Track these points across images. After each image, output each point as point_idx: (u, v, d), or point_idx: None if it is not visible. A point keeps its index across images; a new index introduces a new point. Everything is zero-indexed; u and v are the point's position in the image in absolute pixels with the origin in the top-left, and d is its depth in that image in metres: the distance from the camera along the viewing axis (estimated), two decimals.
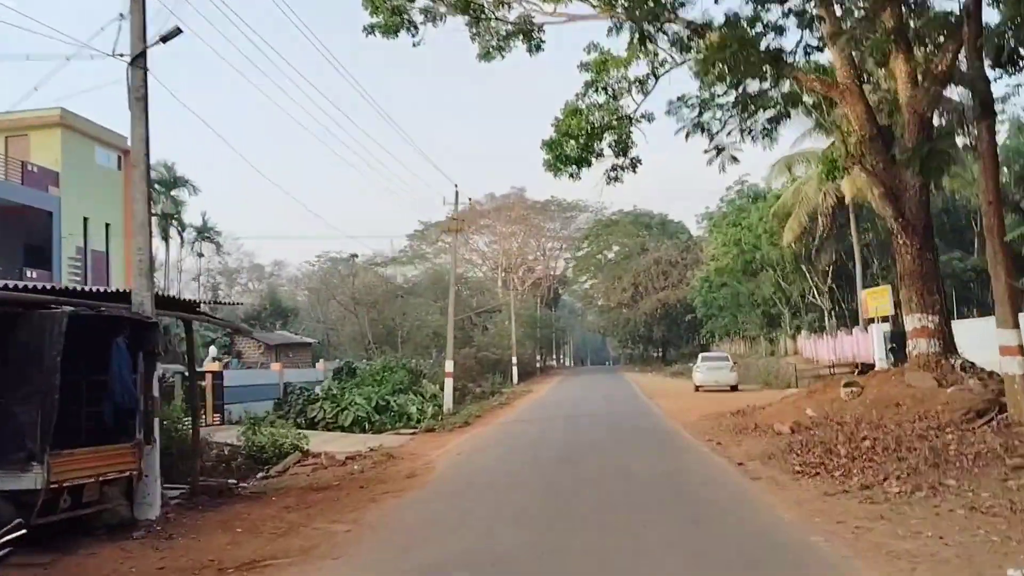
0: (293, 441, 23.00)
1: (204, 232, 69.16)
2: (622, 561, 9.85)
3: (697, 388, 43.18)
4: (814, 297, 55.77)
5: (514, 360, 67.67)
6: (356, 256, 63.16)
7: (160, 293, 15.67)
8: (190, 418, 25.20)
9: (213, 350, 53.46)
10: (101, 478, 11.80)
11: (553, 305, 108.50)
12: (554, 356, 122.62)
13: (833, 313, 54.11)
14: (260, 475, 20.78)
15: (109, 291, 13.95)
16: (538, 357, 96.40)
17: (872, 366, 33.85)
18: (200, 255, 70.48)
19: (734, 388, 42.57)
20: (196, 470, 16.58)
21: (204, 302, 16.11)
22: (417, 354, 57.15)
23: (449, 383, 37.23)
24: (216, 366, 35.24)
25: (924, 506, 12.09)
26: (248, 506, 15.04)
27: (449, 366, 37.68)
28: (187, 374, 27.57)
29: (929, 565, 9.15)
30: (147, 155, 14.00)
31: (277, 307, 68.08)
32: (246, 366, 53.62)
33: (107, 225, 36.51)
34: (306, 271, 74.14)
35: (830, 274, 54.11)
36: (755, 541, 10.71)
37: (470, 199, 40.75)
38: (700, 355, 47.43)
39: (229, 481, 17.93)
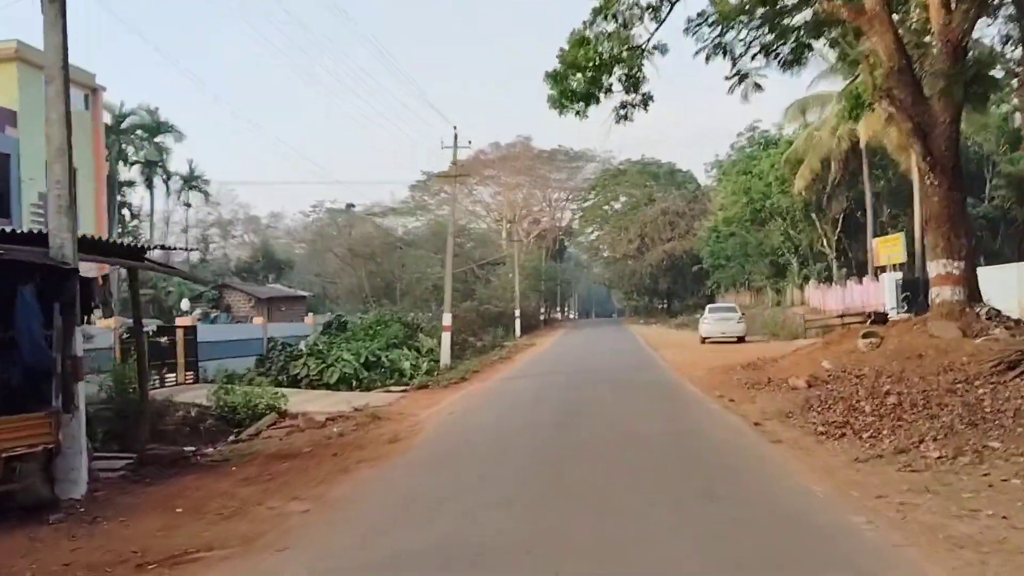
0: (269, 401, 21.26)
1: (191, 181, 66.87)
2: (625, 556, 7.99)
3: (704, 340, 41.42)
4: (823, 246, 53.83)
5: (517, 313, 65.84)
6: (353, 206, 61.01)
7: (95, 238, 13.74)
8: (155, 380, 23.65)
9: (186, 303, 51.78)
10: (6, 454, 9.92)
11: (559, 257, 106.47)
12: (559, 309, 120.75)
13: (842, 262, 52.20)
14: (230, 439, 19.12)
15: (21, 232, 12.08)
16: (542, 310, 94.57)
17: (885, 316, 32.00)
18: (187, 205, 68.17)
19: (741, 339, 40.80)
20: (144, 438, 14.79)
21: (151, 247, 14.08)
22: (416, 307, 55.46)
23: (447, 337, 35.43)
24: (189, 320, 33.49)
25: (972, 475, 10.42)
26: (201, 478, 13.29)
27: (447, 319, 35.82)
28: (153, 330, 25.98)
29: (1003, 557, 7.37)
30: (64, 68, 12.14)
31: (271, 260, 66.01)
32: (235, 320, 51.90)
33: (74, 170, 34.44)
34: (300, 222, 71.86)
35: (840, 223, 52.16)
36: (786, 524, 8.84)
37: (470, 142, 38.12)
38: (707, 306, 45.61)
39: (185, 449, 16.15)
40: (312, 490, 11.82)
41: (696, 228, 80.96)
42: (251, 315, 53.22)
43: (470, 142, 38.20)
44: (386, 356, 30.17)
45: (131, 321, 20.47)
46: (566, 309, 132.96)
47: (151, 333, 24.84)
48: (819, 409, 15.57)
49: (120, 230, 66.33)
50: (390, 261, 62.40)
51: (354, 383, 27.16)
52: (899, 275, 37.64)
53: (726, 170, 67.72)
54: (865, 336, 20.83)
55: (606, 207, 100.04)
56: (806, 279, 54.66)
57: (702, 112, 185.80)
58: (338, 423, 19.45)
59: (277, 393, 21.82)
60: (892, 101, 21.55)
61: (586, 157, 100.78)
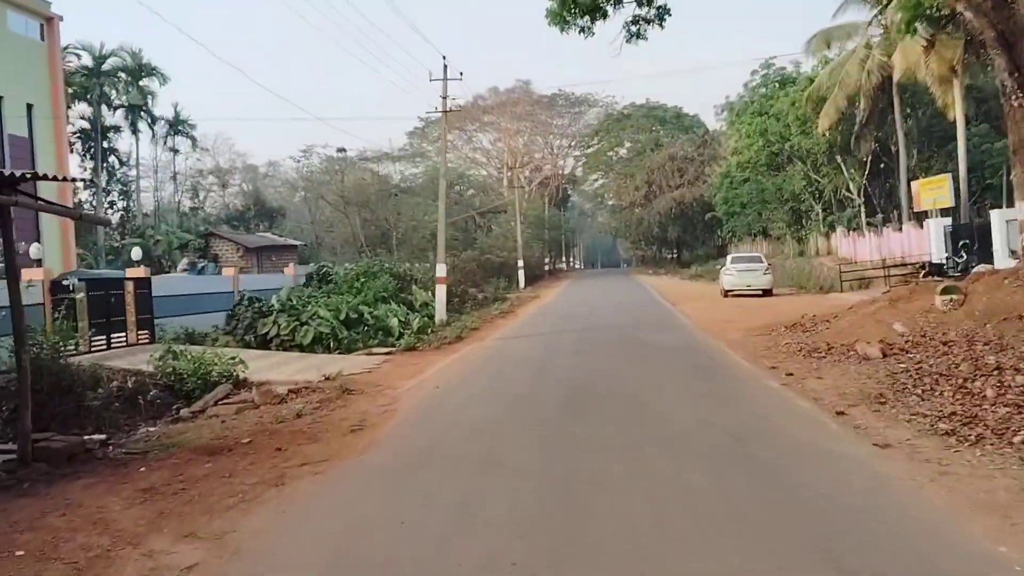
0: (226, 367, 17.45)
1: (177, 126, 62.44)
2: None
3: (726, 293, 37.47)
4: (849, 192, 49.75)
5: (520, 263, 61.89)
6: (344, 150, 56.81)
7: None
8: (74, 344, 19.80)
9: (184, 262, 48.24)
10: None
11: (562, 206, 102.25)
12: (564, 258, 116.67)
13: (873, 208, 48.15)
14: (169, 417, 15.40)
15: None
16: (547, 259, 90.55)
17: (940, 267, 28.12)
18: (174, 151, 63.70)
19: (768, 293, 36.90)
20: (26, 429, 10.94)
21: (24, 177, 10.09)
22: (414, 257, 51.73)
23: (441, 290, 31.61)
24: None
25: None
26: (90, 487, 9.77)
27: (441, 270, 31.94)
28: (74, 283, 22.02)
29: None
30: None
31: (263, 208, 61.95)
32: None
33: (29, 106, 30.50)
34: (291, 167, 67.15)
35: (867, 166, 48.04)
36: None
37: (461, 74, 33.97)
38: (729, 256, 41.34)
39: (88, 439, 12.34)
40: (218, 520, 7.98)
41: (706, 174, 76.69)
42: (240, 265, 49.78)
43: (461, 74, 34.10)
44: (370, 312, 26.23)
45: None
46: (571, 259, 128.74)
47: (72, 286, 20.91)
48: (918, 391, 11.69)
49: (106, 177, 62.44)
50: (385, 208, 58.30)
51: (332, 344, 23.24)
52: (947, 221, 33.63)
53: (739, 112, 63.37)
54: (944, 292, 16.87)
55: (610, 153, 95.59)
56: (832, 227, 50.56)
57: (709, 52, 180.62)
58: (301, 397, 15.79)
59: (234, 358, 17.94)
60: (969, 5, 17.72)
61: (588, 102, 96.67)
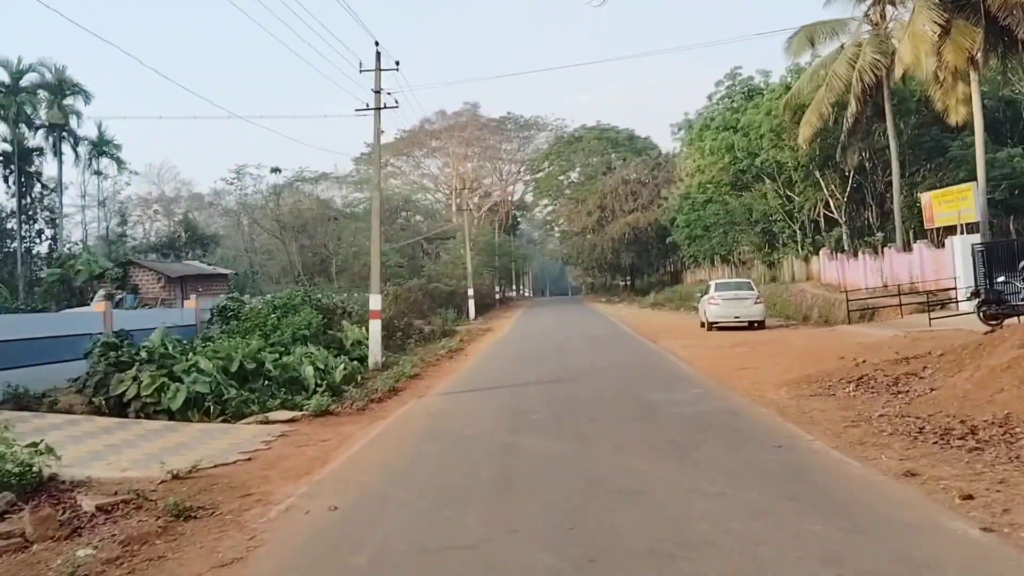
0: (22, 459, 10.51)
1: (101, 146, 54.78)
2: None
3: (710, 326, 30.98)
4: (828, 210, 43.66)
5: (470, 292, 55.06)
6: (279, 170, 49.62)
7: None
8: None
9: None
10: None
11: (512, 232, 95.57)
12: (514, 287, 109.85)
13: (859, 228, 42.14)
14: None
15: None
16: (497, 288, 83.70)
17: (999, 293, 21.76)
18: (98, 174, 55.87)
19: (759, 325, 30.55)
20: None
21: None
22: (355, 286, 44.79)
23: (376, 327, 24.89)
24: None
25: None
26: None
27: (375, 302, 25.18)
28: None
29: None
30: None
31: (194, 235, 54.52)
32: (143, 303, 41.06)
33: None
34: (222, 190, 58.90)
35: (849, 180, 42.04)
36: None
37: (398, 63, 27.00)
38: (712, 283, 34.45)
39: None
40: None
41: (662, 197, 70.65)
42: (160, 297, 42.53)
43: (398, 64, 27.14)
44: (276, 361, 19.20)
45: None
46: (520, 287, 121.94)
47: None
48: None
49: (28, 200, 54.84)
50: (325, 234, 51.13)
51: (214, 407, 16.08)
52: (974, 238, 27.39)
53: (701, 128, 57.39)
54: None
55: (561, 177, 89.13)
56: (812, 249, 44.38)
57: (657, 76, 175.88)
58: (112, 521, 8.97)
59: (37, 444, 10.98)
60: None
61: (537, 125, 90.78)
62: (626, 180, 76.33)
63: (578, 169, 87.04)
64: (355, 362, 23.35)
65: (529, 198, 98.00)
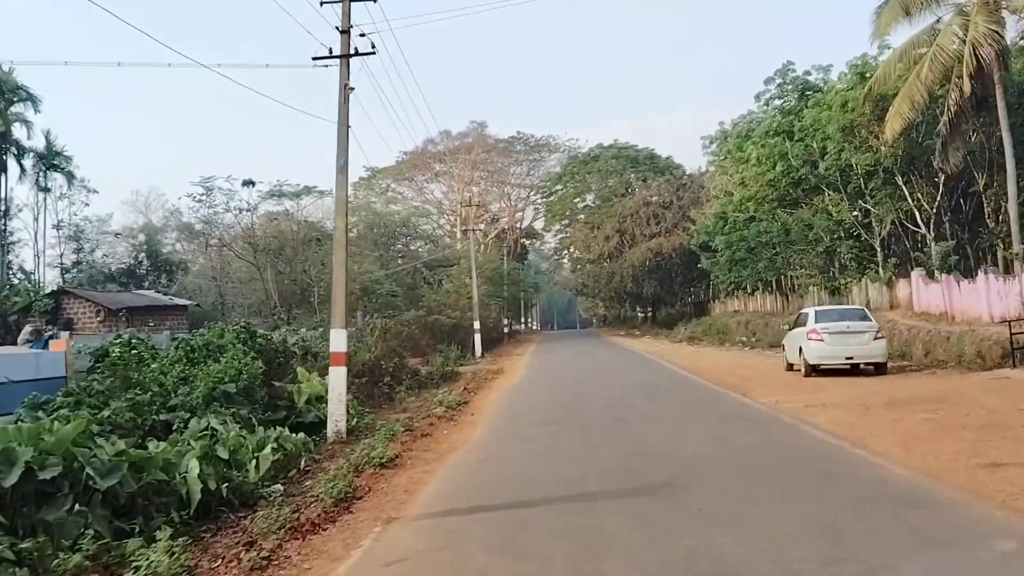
0: None
1: (49, 159, 45.64)
2: None
3: (811, 370, 21.89)
4: (913, 223, 34.74)
5: (476, 325, 45.98)
6: (252, 183, 40.69)
7: None
8: None
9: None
10: None
11: (521, 261, 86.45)
12: (522, 319, 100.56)
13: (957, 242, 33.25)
14: None
15: None
16: (505, 320, 74.44)
17: None
18: (44, 190, 46.65)
19: (880, 368, 21.55)
20: None
21: None
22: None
23: (339, 377, 16.11)
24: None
25: None
26: None
27: (338, 341, 16.42)
28: None
29: None
30: None
31: (157, 261, 45.54)
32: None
33: None
34: (188, 209, 48.88)
35: (940, 186, 33.25)
36: None
37: (373, 45, 17.59)
38: (810, 311, 24.53)
39: None
40: None
41: (686, 221, 61.85)
42: (98, 332, 33.69)
43: (373, 46, 17.91)
44: (118, 458, 10.01)
45: None
46: (529, 320, 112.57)
47: None
48: None
49: None
50: (306, 259, 42.04)
51: None
52: None
53: (740, 136, 48.69)
54: None
55: (576, 200, 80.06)
56: (898, 270, 35.38)
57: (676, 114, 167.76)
58: None
59: None
60: None
61: (549, 147, 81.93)
62: (647, 202, 67.43)
63: (593, 191, 78.08)
64: (300, 434, 14.47)
65: (539, 224, 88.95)
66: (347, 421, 16.46)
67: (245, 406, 15.20)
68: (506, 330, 73.35)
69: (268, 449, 12.43)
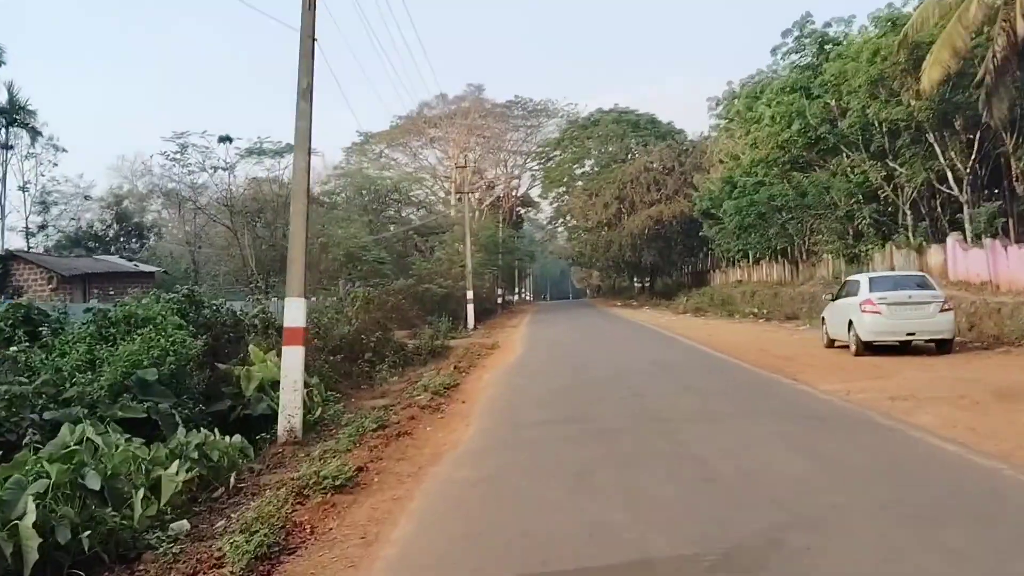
0: None
1: (12, 114, 41.24)
2: None
3: (863, 347, 18.17)
4: (942, 185, 31.02)
5: (469, 295, 42.13)
6: (230, 139, 36.56)
7: None
8: None
9: None
10: None
11: (517, 229, 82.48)
12: (516, 290, 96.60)
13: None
14: None
15: None
16: (499, 291, 70.51)
17: None
18: (6, 147, 42.15)
19: (943, 346, 17.91)
20: None
21: None
22: (322, 287, 32.31)
23: (294, 360, 12.39)
24: None
25: None
26: None
27: (294, 314, 12.64)
28: None
29: None
30: None
31: (128, 225, 41.52)
32: None
33: None
34: (159, 167, 43.98)
35: (976, 143, 29.55)
36: None
37: None
38: (861, 278, 20.22)
39: None
40: None
41: (687, 187, 58.10)
42: (51, 300, 29.90)
43: None
44: None
45: None
46: (523, 290, 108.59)
47: None
48: None
49: None
50: (287, 223, 38.04)
51: None
52: None
53: (749, 96, 44.90)
54: None
55: (574, 165, 76.05)
56: (929, 236, 31.68)
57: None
58: None
59: None
60: None
61: (547, 112, 77.58)
62: (648, 167, 63.46)
63: (593, 157, 74.08)
64: (236, 437, 10.84)
65: (535, 192, 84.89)
66: (306, 414, 12.78)
67: (167, 397, 11.46)
68: (500, 300, 69.53)
69: (175, 467, 8.71)
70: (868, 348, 18.09)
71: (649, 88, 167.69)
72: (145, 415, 10.78)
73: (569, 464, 9.28)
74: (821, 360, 18.23)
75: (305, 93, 12.67)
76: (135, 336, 12.28)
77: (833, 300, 20.71)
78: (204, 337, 14.62)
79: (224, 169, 36.91)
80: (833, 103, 35.02)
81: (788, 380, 15.16)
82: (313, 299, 28.49)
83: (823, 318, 21.48)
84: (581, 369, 19.88)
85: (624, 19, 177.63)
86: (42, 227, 44.55)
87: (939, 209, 32.38)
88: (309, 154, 12.84)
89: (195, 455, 9.64)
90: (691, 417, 11.79)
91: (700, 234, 55.57)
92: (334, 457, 10.20)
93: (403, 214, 60.31)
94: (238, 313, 16.82)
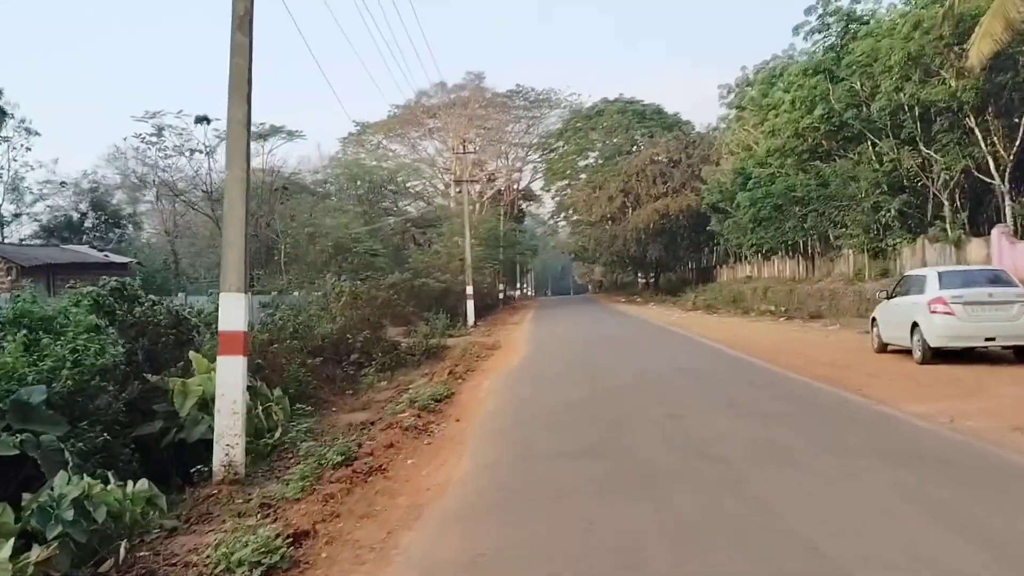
0: None
1: None
2: None
3: (930, 354, 15.08)
4: (988, 174, 27.99)
5: (469, 290, 39.03)
6: (208, 120, 33.47)
7: None
8: None
9: None
10: None
11: (519, 223, 79.32)
12: (517, 285, 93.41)
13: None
14: None
15: None
16: (500, 286, 67.33)
17: None
18: None
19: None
20: None
21: None
22: (308, 281, 29.34)
23: (232, 374, 9.30)
24: None
25: None
26: None
27: (233, 314, 9.55)
28: None
29: None
30: None
31: (103, 212, 38.39)
32: None
33: None
34: (133, 149, 39.80)
35: (1022, 127, 26.58)
36: None
37: None
38: (928, 272, 16.96)
39: None
40: None
41: (695, 180, 55.16)
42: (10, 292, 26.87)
43: None
44: None
45: None
46: (524, 285, 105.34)
47: None
48: None
49: None
50: (271, 211, 34.83)
51: None
52: None
53: (766, 83, 41.98)
54: None
55: (578, 157, 72.94)
56: (967, 228, 28.71)
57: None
58: None
59: None
60: None
61: (550, 102, 74.22)
62: (655, 159, 60.33)
63: (597, 149, 70.99)
64: (141, 483, 7.81)
65: (536, 186, 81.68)
66: (259, 438, 9.85)
67: (57, 425, 8.41)
68: (501, 296, 66.42)
69: (9, 548, 5.69)
70: (937, 355, 15.02)
71: (653, 79, 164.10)
72: (17, 451, 7.76)
73: (604, 536, 6.24)
74: (882, 369, 15.15)
75: (242, 23, 9.52)
76: (25, 342, 9.24)
77: (888, 298, 17.59)
78: (139, 341, 11.66)
79: (203, 152, 33.68)
80: (858, 85, 32.15)
81: (856, 396, 12.08)
82: (297, 294, 25.59)
83: (873, 318, 18.34)
84: (596, 375, 16.82)
85: (627, 8, 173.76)
86: (16, 215, 41.46)
87: (973, 200, 29.39)
88: (249, 103, 9.69)
89: (69, 515, 6.63)
90: (755, 454, 8.71)
91: (708, 228, 52.59)
92: (271, 515, 7.23)
93: (400, 205, 57.21)
94: (189, 311, 13.76)
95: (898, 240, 31.43)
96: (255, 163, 35.94)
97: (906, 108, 29.22)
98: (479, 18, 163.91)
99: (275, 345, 15.86)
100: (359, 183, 49.34)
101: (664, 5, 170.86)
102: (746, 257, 49.38)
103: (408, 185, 62.55)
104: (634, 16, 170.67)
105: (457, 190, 59.14)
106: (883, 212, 31.89)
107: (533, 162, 79.29)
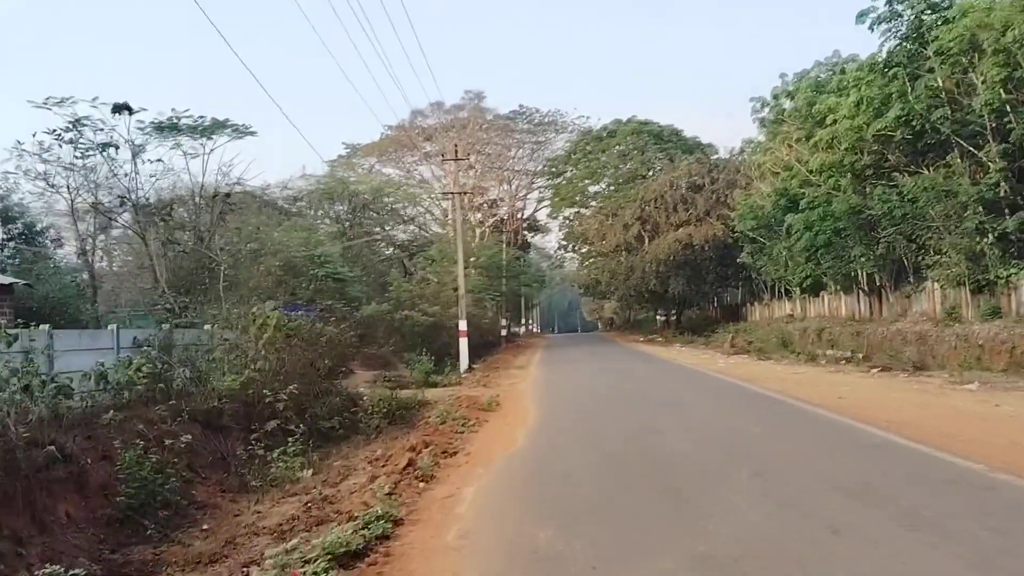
0: None
1: None
2: None
3: None
4: None
5: (462, 325, 31.07)
6: (130, 110, 25.54)
7: None
8: None
9: None
10: None
11: (523, 253, 71.65)
12: (522, 321, 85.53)
13: None
14: None
15: None
16: (503, 322, 59.28)
17: None
18: None
19: None
20: None
21: None
22: (243, 312, 21.28)
23: None
24: None
25: None
26: None
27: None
28: None
29: None
30: None
31: (15, 227, 30.61)
32: None
33: None
34: (36, 142, 31.10)
35: None
36: None
37: None
38: None
39: None
40: None
41: (719, 207, 48.02)
42: None
43: None
44: None
45: None
46: (529, 321, 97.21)
47: None
48: None
49: None
50: (211, 224, 26.91)
51: None
52: None
53: (809, 88, 34.65)
54: None
55: (587, 181, 65.44)
56: None
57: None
58: None
59: None
60: None
61: (556, 126, 66.86)
62: (675, 184, 52.71)
63: (609, 174, 63.57)
64: None
65: (542, 214, 74.23)
66: None
67: None
68: (504, 332, 58.55)
69: None
70: None
71: (666, 104, 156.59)
72: None
73: None
74: None
75: None
76: None
77: None
78: None
79: (121, 147, 25.77)
80: (941, 81, 24.96)
81: None
82: (208, 327, 17.95)
83: None
84: (668, 475, 9.11)
85: (637, 30, 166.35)
86: None
87: None
88: None
89: None
90: None
91: (738, 260, 45.00)
92: None
93: (387, 229, 49.70)
94: None
95: (1012, 271, 23.75)
96: (194, 165, 28.34)
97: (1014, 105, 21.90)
98: (476, 36, 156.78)
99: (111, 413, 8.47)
100: (335, 201, 41.86)
101: (678, 28, 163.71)
102: (788, 292, 41.77)
103: (400, 208, 54.90)
104: (645, 44, 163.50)
105: (452, 209, 51.66)
106: (986, 236, 24.33)
107: (539, 188, 72.02)
